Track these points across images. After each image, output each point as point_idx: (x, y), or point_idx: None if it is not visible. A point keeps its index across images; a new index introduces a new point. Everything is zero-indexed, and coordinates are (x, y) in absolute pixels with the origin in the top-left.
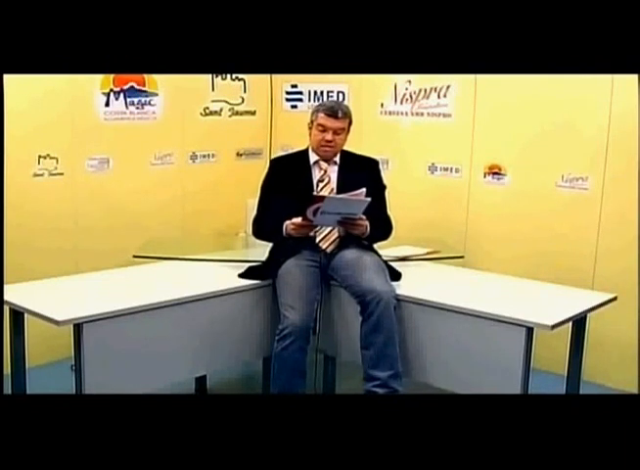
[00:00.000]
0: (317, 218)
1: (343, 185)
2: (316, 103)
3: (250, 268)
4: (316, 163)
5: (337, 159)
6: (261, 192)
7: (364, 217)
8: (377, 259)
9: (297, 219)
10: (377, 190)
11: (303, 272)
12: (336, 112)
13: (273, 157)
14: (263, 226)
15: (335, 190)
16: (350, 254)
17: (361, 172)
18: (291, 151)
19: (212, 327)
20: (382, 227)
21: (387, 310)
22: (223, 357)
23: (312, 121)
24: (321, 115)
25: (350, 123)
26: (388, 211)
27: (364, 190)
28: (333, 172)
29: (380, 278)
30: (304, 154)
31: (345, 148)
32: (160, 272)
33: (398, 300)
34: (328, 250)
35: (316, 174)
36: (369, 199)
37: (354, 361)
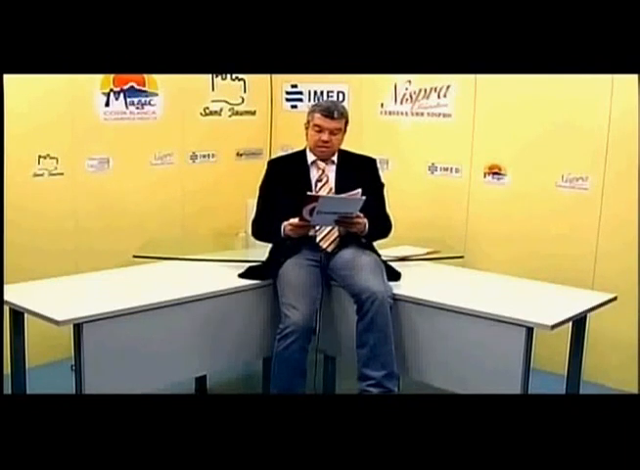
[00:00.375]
0: (314, 218)
1: (342, 184)
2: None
3: (250, 268)
4: (314, 162)
5: (334, 158)
6: (260, 193)
7: (362, 215)
8: (374, 259)
9: (295, 220)
10: (375, 188)
11: (304, 272)
12: (332, 112)
13: (271, 158)
14: (262, 227)
15: (333, 190)
16: (348, 253)
17: (359, 171)
18: (290, 151)
19: (212, 327)
20: (381, 225)
21: (381, 309)
22: (223, 357)
23: (309, 122)
24: (317, 115)
25: (347, 123)
26: (388, 210)
27: (359, 190)
28: (331, 172)
29: (376, 278)
30: (302, 154)
31: (343, 147)
32: (160, 272)
33: (398, 299)
34: (328, 249)
35: (314, 174)
36: (364, 197)
37: (354, 361)
